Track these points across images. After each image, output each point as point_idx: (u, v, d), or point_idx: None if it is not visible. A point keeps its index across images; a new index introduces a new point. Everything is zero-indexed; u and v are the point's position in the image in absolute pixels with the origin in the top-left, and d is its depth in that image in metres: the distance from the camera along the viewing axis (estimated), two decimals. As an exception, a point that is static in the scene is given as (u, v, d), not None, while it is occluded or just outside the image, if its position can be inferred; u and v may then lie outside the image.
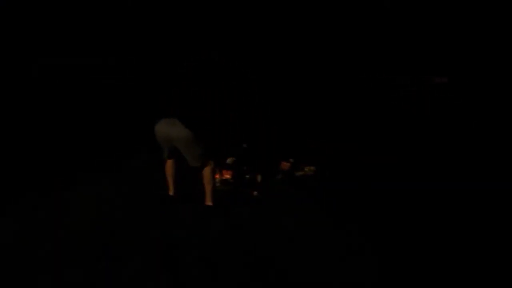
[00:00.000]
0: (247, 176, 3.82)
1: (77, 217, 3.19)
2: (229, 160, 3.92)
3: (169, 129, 3.43)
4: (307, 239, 2.96)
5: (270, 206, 3.47)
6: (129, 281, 2.49)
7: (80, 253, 2.73)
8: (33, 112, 5.67)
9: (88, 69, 7.32)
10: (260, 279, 2.58)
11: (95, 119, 5.54)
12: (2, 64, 6.74)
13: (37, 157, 4.38)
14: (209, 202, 3.58)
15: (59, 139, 4.90)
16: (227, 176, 3.77)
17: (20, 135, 4.96)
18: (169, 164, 3.74)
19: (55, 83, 6.72)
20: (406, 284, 2.51)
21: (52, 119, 5.52)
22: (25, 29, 7.58)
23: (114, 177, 3.98)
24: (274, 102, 6.16)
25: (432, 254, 2.79)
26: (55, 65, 7.14)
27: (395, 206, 3.39)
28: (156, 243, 2.89)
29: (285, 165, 3.88)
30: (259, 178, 3.84)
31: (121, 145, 4.72)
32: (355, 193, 3.63)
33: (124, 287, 2.44)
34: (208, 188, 3.59)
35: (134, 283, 2.47)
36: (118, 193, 3.65)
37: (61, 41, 7.59)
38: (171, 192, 3.74)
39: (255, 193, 3.68)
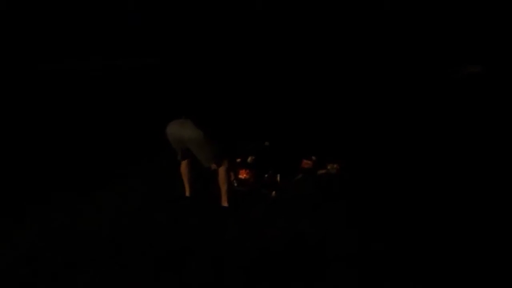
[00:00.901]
0: (266, 176, 3.63)
1: (94, 218, 3.18)
2: (249, 159, 3.72)
3: (180, 130, 3.39)
4: (322, 243, 2.80)
5: (288, 207, 3.28)
6: (144, 281, 2.46)
7: (96, 254, 2.73)
8: (46, 115, 5.58)
9: (100, 72, 7.32)
10: (274, 281, 2.47)
11: (106, 122, 5.42)
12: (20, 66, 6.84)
13: (51, 162, 4.23)
14: (225, 203, 3.49)
15: (74, 143, 4.76)
16: (245, 175, 3.57)
17: (32, 138, 4.86)
18: (184, 166, 3.70)
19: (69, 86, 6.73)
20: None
21: (65, 122, 5.41)
22: (31, 32, 7.64)
23: (130, 180, 3.86)
24: (295, 98, 6.03)
25: (454, 259, 2.64)
26: (69, 68, 7.19)
27: (420, 210, 3.18)
28: (172, 245, 2.82)
29: (307, 163, 3.67)
30: (278, 177, 3.65)
31: (135, 147, 4.56)
32: (379, 193, 3.43)
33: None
34: (223, 189, 3.51)
35: (148, 284, 2.45)
36: (135, 195, 3.55)
37: (74, 43, 7.69)
38: (187, 194, 3.70)
39: (273, 193, 3.47)
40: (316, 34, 8.08)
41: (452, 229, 2.95)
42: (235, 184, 3.60)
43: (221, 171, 3.49)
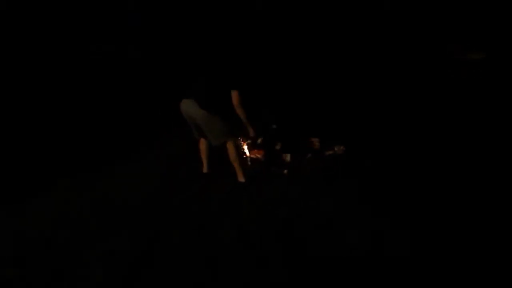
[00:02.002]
0: (277, 155, 3.98)
1: (121, 194, 3.57)
2: (259, 140, 4.05)
3: (189, 107, 3.52)
4: (340, 218, 3.07)
5: (300, 184, 3.57)
6: (170, 252, 2.75)
7: (126, 225, 3.06)
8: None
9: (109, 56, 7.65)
10: (292, 254, 2.73)
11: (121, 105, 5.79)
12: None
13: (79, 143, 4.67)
14: (241, 179, 3.69)
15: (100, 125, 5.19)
16: (258, 155, 3.90)
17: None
18: (201, 143, 3.87)
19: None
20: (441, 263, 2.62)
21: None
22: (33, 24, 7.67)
23: (150, 160, 4.23)
24: (301, 82, 6.30)
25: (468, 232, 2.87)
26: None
27: (424, 182, 3.47)
28: (193, 218, 3.18)
29: (315, 144, 4.01)
30: (288, 157, 4.00)
31: (151, 128, 4.94)
32: (385, 171, 3.70)
33: (165, 257, 2.72)
34: (236, 166, 3.68)
35: (174, 254, 2.73)
36: (156, 173, 3.90)
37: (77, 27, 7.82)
38: (204, 170, 3.89)
39: (285, 171, 3.80)
40: (316, 33, 8.27)
41: (456, 205, 3.13)
42: (249, 163, 3.89)
43: (230, 149, 3.62)
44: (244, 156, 3.84)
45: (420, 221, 2.98)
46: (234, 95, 3.32)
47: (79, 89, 6.89)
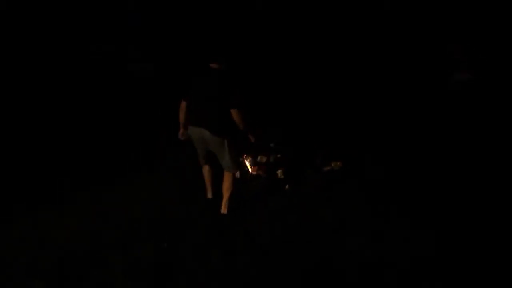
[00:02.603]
0: (278, 172, 4.30)
1: (136, 208, 3.83)
2: (259, 158, 4.35)
3: (202, 131, 3.57)
4: (342, 226, 3.47)
5: (302, 198, 3.90)
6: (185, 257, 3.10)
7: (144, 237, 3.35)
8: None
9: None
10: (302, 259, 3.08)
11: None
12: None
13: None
14: (224, 211, 3.81)
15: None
16: (259, 172, 4.22)
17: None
18: (206, 170, 3.95)
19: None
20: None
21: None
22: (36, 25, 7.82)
23: (153, 177, 4.40)
24: (296, 98, 6.52)
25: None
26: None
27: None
28: (205, 230, 3.50)
29: (314, 160, 4.37)
30: (289, 172, 4.32)
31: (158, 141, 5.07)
32: (382, 183, 4.10)
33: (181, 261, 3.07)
34: (226, 196, 3.81)
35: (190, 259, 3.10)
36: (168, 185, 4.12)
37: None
38: (209, 196, 3.97)
39: (286, 187, 4.12)
40: (315, 33, 8.43)
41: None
42: (249, 179, 4.14)
43: (228, 177, 3.77)
44: (247, 171, 4.14)
45: (420, 226, 3.43)
46: (236, 113, 3.44)
47: (79, 90, 7.00)
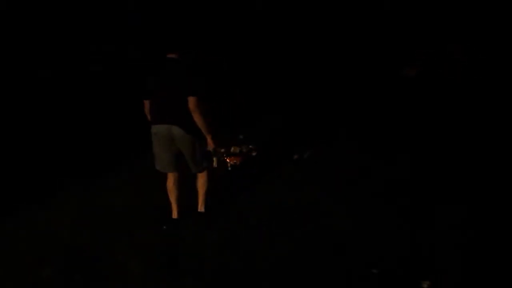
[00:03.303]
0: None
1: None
2: (233, 149, 4.47)
3: (170, 128, 3.27)
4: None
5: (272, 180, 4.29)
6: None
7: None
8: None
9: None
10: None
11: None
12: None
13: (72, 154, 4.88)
14: (201, 208, 3.63)
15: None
16: (235, 161, 4.30)
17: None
18: (171, 182, 3.56)
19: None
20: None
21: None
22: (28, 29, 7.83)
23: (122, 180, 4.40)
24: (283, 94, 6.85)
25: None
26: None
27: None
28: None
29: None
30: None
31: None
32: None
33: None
34: (202, 193, 3.60)
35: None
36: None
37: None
38: (174, 215, 3.61)
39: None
40: (315, 33, 8.52)
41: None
42: (229, 169, 4.37)
43: (202, 175, 3.56)
44: (226, 162, 4.26)
45: (387, 201, 3.80)
46: (192, 101, 3.18)
47: (79, 90, 7.06)
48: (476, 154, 4.70)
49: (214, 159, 3.83)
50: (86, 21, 8.44)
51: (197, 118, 3.20)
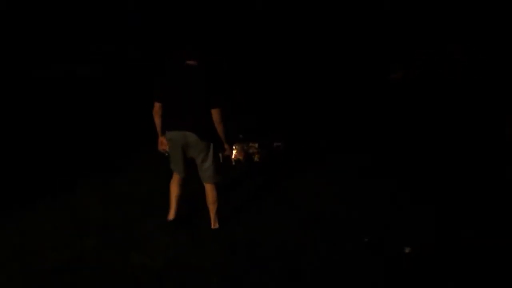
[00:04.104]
0: (255, 157, 5.08)
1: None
2: (235, 146, 4.88)
3: (185, 134, 3.39)
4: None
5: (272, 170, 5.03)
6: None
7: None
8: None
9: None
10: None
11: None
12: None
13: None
14: (215, 225, 3.71)
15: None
16: (239, 157, 4.82)
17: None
18: (175, 183, 3.73)
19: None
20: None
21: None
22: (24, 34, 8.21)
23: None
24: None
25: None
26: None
27: None
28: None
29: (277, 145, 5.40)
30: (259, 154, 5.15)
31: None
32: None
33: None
34: (213, 209, 3.67)
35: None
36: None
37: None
38: (171, 216, 3.76)
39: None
40: (315, 34, 8.98)
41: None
42: (233, 163, 4.84)
43: (212, 189, 3.63)
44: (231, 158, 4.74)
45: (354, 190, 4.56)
46: (217, 113, 3.36)
47: (79, 89, 7.38)
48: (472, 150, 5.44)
49: (220, 155, 4.56)
50: (86, 21, 8.85)
51: (221, 129, 3.40)
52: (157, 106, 3.46)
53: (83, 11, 8.95)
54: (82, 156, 5.23)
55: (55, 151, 5.34)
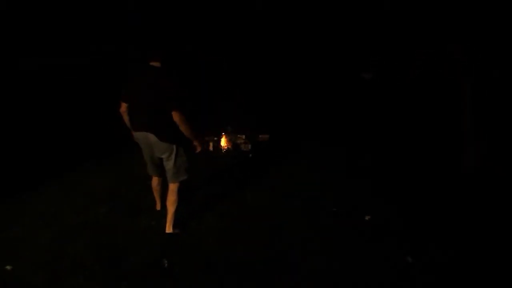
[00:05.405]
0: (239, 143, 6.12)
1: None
2: (225, 137, 5.83)
3: (148, 134, 3.71)
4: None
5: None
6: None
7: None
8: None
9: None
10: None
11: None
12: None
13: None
14: (169, 229, 3.97)
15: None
16: (227, 145, 5.77)
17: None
18: (156, 182, 4.20)
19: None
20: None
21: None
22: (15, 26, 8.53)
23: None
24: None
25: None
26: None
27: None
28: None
29: (263, 137, 6.62)
30: (249, 144, 6.39)
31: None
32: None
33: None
34: (171, 211, 3.93)
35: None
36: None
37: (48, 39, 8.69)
38: (158, 207, 4.35)
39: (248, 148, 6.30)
40: (315, 34, 9.47)
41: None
42: (223, 151, 5.98)
43: (173, 190, 3.89)
44: (222, 147, 5.66)
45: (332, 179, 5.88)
46: (177, 115, 3.57)
47: (78, 89, 7.98)
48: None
49: (210, 143, 5.45)
50: (86, 21, 9.28)
51: (184, 128, 3.61)
52: (123, 106, 3.72)
53: (83, 11, 9.38)
54: (91, 143, 6.29)
55: (66, 138, 6.44)
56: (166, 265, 3.72)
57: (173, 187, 3.89)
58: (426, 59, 9.01)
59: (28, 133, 6.13)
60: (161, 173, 3.97)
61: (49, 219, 4.44)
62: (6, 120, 6.06)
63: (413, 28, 9.17)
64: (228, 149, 6.00)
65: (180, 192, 3.96)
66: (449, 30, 8.32)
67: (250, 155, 6.14)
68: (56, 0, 9.36)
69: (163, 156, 3.76)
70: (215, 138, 5.92)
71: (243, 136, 5.96)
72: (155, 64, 3.68)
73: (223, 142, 5.82)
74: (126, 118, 3.84)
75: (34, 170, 5.33)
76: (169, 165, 3.79)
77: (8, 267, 3.69)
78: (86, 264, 3.72)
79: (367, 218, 4.54)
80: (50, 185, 5.17)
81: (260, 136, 6.44)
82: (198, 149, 3.92)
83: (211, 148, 5.84)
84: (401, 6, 9.60)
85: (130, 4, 10.12)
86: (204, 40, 8.96)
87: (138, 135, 3.75)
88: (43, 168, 5.50)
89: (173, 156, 3.75)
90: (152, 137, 3.67)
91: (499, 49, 7.82)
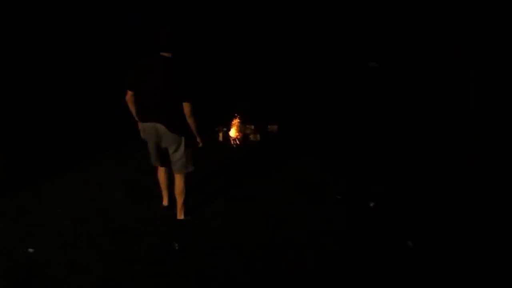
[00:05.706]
0: (251, 136, 6.48)
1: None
2: (233, 127, 6.04)
3: (155, 125, 3.75)
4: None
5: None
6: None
7: None
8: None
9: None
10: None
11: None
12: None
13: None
14: (180, 216, 4.12)
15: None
16: (237, 135, 5.98)
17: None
18: (160, 171, 4.19)
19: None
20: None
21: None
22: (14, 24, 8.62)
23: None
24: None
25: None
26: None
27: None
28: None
29: (272, 127, 6.80)
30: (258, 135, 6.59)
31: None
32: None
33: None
34: (180, 200, 4.04)
35: None
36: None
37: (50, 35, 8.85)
38: (165, 202, 4.39)
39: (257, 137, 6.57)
40: (315, 34, 9.58)
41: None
42: (237, 142, 6.24)
43: (182, 179, 3.98)
44: (233, 139, 5.85)
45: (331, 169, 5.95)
46: (187, 106, 3.61)
47: (78, 89, 7.96)
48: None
49: (220, 134, 5.72)
50: (86, 21, 9.47)
51: (191, 121, 3.66)
52: (129, 93, 3.72)
53: (83, 11, 9.58)
54: (105, 136, 6.43)
55: (81, 132, 6.61)
56: (177, 247, 4.07)
57: (179, 178, 4.04)
58: (426, 59, 9.08)
59: (43, 128, 6.42)
60: (166, 163, 4.05)
61: (67, 206, 4.76)
62: (23, 116, 6.40)
63: (413, 28, 9.32)
64: (237, 139, 6.32)
65: (187, 183, 4.15)
66: (449, 30, 8.40)
67: (259, 143, 6.41)
68: (56, 0, 9.55)
69: (171, 148, 3.82)
70: (225, 129, 6.21)
71: (252, 126, 6.25)
72: (166, 54, 3.67)
73: (233, 132, 6.09)
74: (131, 106, 3.85)
75: (53, 162, 5.43)
76: (176, 156, 3.87)
77: (31, 250, 4.06)
78: (102, 247, 4.10)
79: (371, 205, 4.79)
80: (67, 175, 5.48)
81: (269, 126, 6.74)
82: (200, 145, 3.96)
83: (220, 138, 6.13)
84: (401, 6, 9.82)
85: (130, 4, 10.38)
86: (204, 40, 9.08)
87: (146, 126, 3.77)
88: (61, 160, 5.81)
89: (181, 147, 3.82)
90: (161, 128, 3.71)
91: (499, 49, 7.92)
